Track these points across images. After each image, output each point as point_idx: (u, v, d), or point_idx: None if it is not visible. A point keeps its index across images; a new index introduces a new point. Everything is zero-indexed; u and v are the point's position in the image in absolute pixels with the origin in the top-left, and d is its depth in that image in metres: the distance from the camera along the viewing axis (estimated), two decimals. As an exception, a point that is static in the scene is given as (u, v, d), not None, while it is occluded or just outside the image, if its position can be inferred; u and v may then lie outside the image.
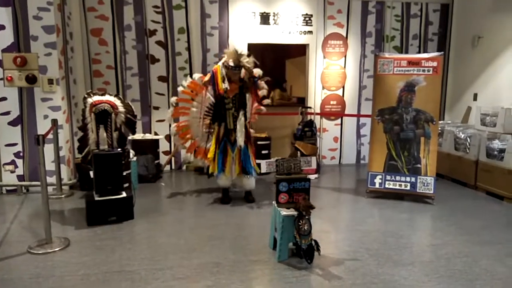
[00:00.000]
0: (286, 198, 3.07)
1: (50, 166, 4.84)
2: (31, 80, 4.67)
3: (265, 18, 6.23)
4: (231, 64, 4.23)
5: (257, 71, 4.48)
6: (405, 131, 4.68)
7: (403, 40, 6.75)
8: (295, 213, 2.97)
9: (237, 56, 4.24)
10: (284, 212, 3.00)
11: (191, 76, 4.86)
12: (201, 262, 3.01)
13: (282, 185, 3.05)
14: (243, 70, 4.27)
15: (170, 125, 5.29)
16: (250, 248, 3.30)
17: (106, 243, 3.38)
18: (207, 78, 4.40)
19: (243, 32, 6.18)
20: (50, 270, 2.90)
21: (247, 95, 4.49)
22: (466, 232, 3.69)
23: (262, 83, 4.63)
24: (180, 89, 4.69)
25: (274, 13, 6.23)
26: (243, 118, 4.35)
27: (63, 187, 4.91)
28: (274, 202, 3.16)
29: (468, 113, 6.27)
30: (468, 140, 5.33)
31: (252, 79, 4.40)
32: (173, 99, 4.72)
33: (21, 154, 4.83)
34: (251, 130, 4.83)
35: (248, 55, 4.37)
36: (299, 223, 2.89)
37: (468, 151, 5.33)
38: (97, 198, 3.78)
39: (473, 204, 4.66)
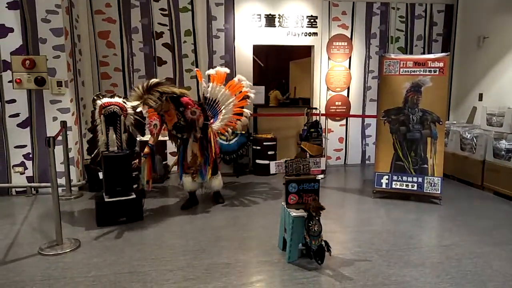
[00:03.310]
0: (296, 199, 3.08)
1: (59, 167, 4.85)
2: (40, 82, 4.72)
3: (270, 20, 6.26)
4: (150, 103, 3.85)
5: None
6: (411, 131, 4.69)
7: (408, 41, 6.76)
8: (305, 214, 2.98)
9: (139, 95, 3.84)
10: (294, 213, 3.01)
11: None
12: (211, 263, 3.03)
13: (292, 186, 3.07)
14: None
15: None
16: (259, 248, 3.32)
17: (116, 244, 3.41)
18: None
19: (249, 34, 6.21)
20: (61, 271, 2.92)
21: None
22: (475, 233, 3.69)
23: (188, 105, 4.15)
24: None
25: (279, 15, 6.26)
26: (190, 141, 4.22)
27: (72, 188, 4.95)
28: (283, 203, 3.18)
29: (474, 113, 6.27)
30: (475, 140, 5.33)
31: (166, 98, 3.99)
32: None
33: (31, 155, 4.87)
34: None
35: (150, 87, 3.86)
36: (309, 224, 2.90)
37: (474, 151, 5.33)
38: (106, 199, 3.81)
39: (481, 204, 4.66)
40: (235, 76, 5.91)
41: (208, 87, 4.82)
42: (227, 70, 4.90)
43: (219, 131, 4.71)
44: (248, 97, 4.87)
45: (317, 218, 2.91)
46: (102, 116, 3.86)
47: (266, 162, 5.87)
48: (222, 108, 4.80)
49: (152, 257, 3.14)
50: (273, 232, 3.51)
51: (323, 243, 2.93)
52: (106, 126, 3.89)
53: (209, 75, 4.89)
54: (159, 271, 2.91)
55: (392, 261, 3.08)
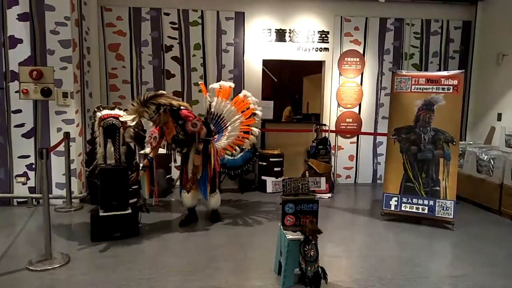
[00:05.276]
0: (293, 221, 2.92)
1: (61, 178, 4.86)
2: (46, 93, 4.74)
3: (280, 35, 6.19)
4: (146, 116, 3.81)
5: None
6: (423, 151, 4.46)
7: (423, 57, 6.56)
8: (301, 237, 2.80)
9: (136, 108, 3.78)
10: (290, 235, 2.84)
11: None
12: (201, 286, 2.87)
13: (289, 206, 2.90)
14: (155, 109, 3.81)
15: None
16: (254, 271, 3.15)
17: (107, 261, 3.29)
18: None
19: (258, 48, 6.15)
20: (45, 288, 2.82)
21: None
22: (489, 263, 3.42)
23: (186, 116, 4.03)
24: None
25: (290, 29, 6.19)
26: (192, 153, 4.15)
27: (73, 200, 4.90)
28: (280, 224, 3.01)
29: (492, 133, 5.98)
30: (492, 162, 5.05)
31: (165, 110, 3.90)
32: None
33: (34, 166, 4.86)
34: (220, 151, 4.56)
35: (147, 100, 3.78)
36: (305, 249, 2.72)
37: (491, 173, 5.04)
38: (101, 214, 3.72)
39: (497, 231, 4.36)
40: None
41: (213, 101, 4.75)
42: (232, 85, 4.83)
43: (225, 148, 4.60)
44: (255, 114, 4.76)
45: (313, 242, 2.73)
46: (100, 128, 3.81)
47: (270, 178, 5.66)
48: (227, 125, 4.71)
49: (140, 277, 3.00)
50: (272, 254, 3.32)
51: (319, 269, 2.74)
52: (104, 139, 3.83)
53: (213, 89, 4.84)
54: (145, 292, 2.78)
55: (395, 291, 2.86)
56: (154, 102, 3.77)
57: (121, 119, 3.91)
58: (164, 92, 4.01)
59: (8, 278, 2.96)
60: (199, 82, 5.19)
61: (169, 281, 2.95)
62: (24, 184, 4.86)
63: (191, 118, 4.00)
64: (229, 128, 4.69)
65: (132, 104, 3.78)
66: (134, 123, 3.82)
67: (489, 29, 6.19)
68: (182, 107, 4.02)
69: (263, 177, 5.77)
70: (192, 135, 4.03)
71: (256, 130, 4.76)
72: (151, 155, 4.14)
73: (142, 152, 5.37)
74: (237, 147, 4.70)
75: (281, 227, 2.97)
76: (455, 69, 6.25)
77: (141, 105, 3.74)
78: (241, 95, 4.80)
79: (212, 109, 4.74)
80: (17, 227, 4.13)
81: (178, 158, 4.47)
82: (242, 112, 4.70)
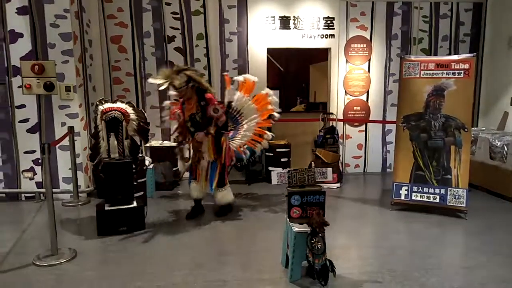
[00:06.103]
0: (299, 213, 2.84)
1: (67, 173, 4.85)
2: (49, 87, 4.70)
3: (285, 22, 6.05)
4: (175, 84, 3.82)
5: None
6: (433, 139, 4.34)
7: (432, 42, 6.37)
8: (308, 229, 2.73)
9: (167, 74, 3.83)
10: (297, 228, 2.77)
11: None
12: (207, 280, 2.83)
13: (295, 198, 2.83)
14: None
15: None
16: (261, 265, 3.09)
17: (113, 255, 3.26)
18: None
19: (262, 36, 6.02)
20: (51, 284, 2.80)
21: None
22: (504, 253, 3.31)
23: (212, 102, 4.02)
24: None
25: (294, 17, 6.04)
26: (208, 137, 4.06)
27: (80, 194, 4.89)
28: (286, 217, 2.94)
29: (505, 119, 5.80)
30: (506, 149, 4.91)
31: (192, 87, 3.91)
32: (167, 103, 4.56)
33: (40, 161, 4.85)
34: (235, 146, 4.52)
35: (180, 70, 3.84)
36: (312, 241, 2.65)
37: (505, 160, 4.90)
38: (107, 208, 3.69)
39: None
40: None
41: (235, 95, 4.57)
42: (256, 79, 4.63)
43: (236, 150, 4.52)
44: (272, 116, 4.65)
45: (320, 234, 2.66)
46: (103, 121, 3.75)
47: (275, 169, 5.59)
48: (244, 123, 4.61)
49: (146, 271, 2.97)
50: (279, 246, 3.26)
51: (327, 262, 2.68)
52: (107, 132, 3.78)
53: (237, 82, 4.65)
54: (150, 287, 2.74)
55: (407, 283, 2.77)
56: (187, 74, 3.83)
57: (149, 80, 3.98)
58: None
59: (15, 274, 2.95)
60: (224, 73, 4.98)
61: (174, 275, 2.91)
62: (31, 179, 4.86)
63: (215, 102, 4.02)
64: (245, 126, 4.60)
65: (163, 70, 3.84)
66: (163, 87, 3.83)
67: (500, 10, 5.97)
68: (208, 90, 4.05)
69: (270, 168, 5.74)
70: (209, 119, 3.99)
71: (269, 134, 4.69)
72: (179, 131, 4.16)
73: (148, 145, 5.33)
74: (247, 151, 4.61)
75: (288, 220, 2.90)
76: (466, 53, 6.07)
77: (173, 72, 3.79)
78: (263, 92, 4.67)
79: (233, 103, 4.56)
80: (24, 222, 4.14)
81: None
82: (261, 111, 4.61)
